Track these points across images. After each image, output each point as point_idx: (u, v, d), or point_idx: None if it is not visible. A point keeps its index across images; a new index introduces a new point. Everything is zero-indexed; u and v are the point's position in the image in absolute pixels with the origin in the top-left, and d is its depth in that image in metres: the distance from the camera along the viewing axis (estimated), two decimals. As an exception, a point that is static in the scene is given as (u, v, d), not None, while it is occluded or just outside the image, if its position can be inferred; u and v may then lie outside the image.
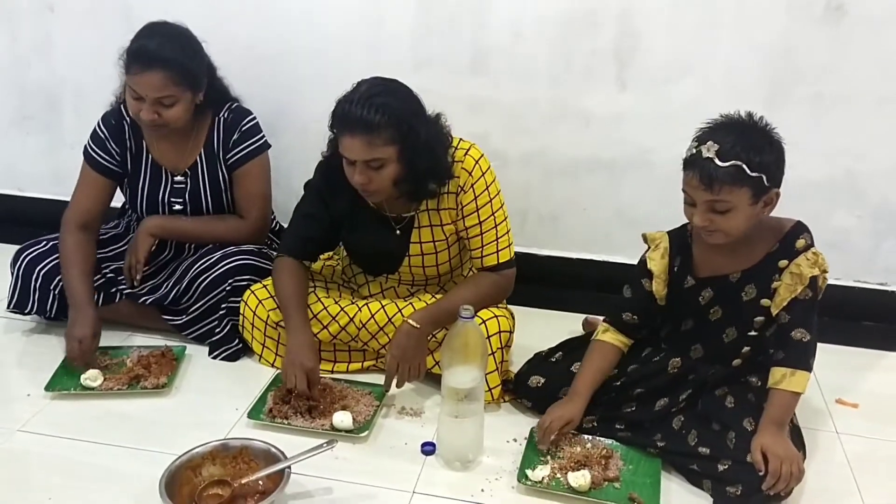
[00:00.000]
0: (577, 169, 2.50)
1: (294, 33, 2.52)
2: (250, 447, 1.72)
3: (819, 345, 2.29)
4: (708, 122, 1.72)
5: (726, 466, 1.70)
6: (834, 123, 2.30)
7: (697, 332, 1.88)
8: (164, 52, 2.05)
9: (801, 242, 1.76)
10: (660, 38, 2.31)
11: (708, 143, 1.65)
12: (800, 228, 1.78)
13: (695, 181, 1.67)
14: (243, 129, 2.25)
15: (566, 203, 2.56)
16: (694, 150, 1.68)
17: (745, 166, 1.62)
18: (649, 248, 1.91)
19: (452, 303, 1.89)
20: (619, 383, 1.91)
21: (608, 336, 1.92)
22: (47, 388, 2.01)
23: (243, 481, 1.64)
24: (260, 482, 1.66)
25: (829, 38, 2.22)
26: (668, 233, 1.90)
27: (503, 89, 2.45)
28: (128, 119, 2.23)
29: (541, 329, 2.26)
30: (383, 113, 1.80)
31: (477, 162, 1.98)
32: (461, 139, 2.01)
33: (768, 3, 2.22)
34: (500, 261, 2.03)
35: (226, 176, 2.28)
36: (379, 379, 2.02)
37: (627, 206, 2.50)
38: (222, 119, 2.25)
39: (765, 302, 1.78)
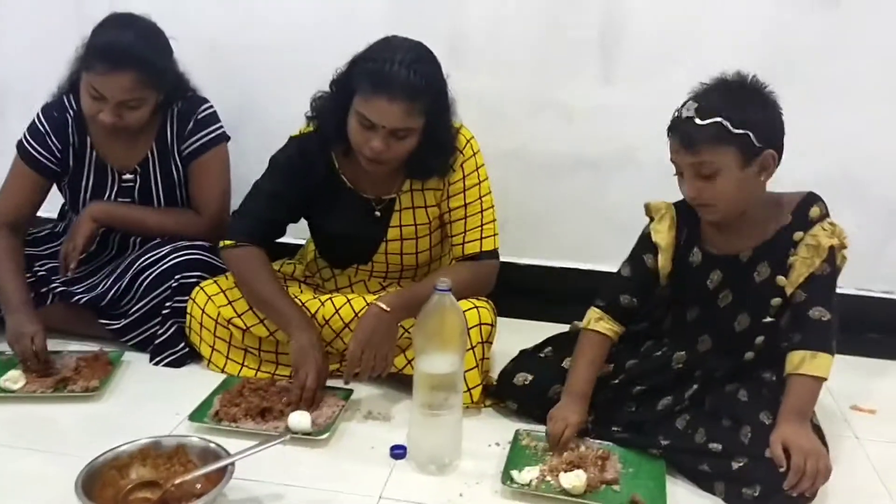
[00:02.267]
0: (558, 169, 2.34)
1: (258, 27, 2.36)
2: (187, 445, 1.47)
3: (827, 353, 2.11)
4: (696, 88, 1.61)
5: (742, 464, 1.48)
6: (830, 115, 2.16)
7: (705, 321, 1.69)
8: (136, 52, 1.85)
9: (815, 211, 1.60)
10: (646, 27, 2.18)
11: (688, 102, 1.55)
12: (813, 197, 1.62)
13: (676, 144, 1.55)
14: (199, 117, 2.06)
15: (548, 207, 2.38)
16: (676, 113, 1.57)
17: (726, 123, 1.49)
18: (652, 219, 1.73)
19: (428, 288, 1.67)
20: (616, 381, 1.70)
21: (601, 325, 1.69)
22: (-40, 391, 1.75)
23: (177, 481, 1.38)
24: (198, 484, 1.40)
25: (824, 25, 2.11)
26: (674, 203, 1.71)
27: (482, 83, 2.28)
28: (71, 112, 2.02)
29: (523, 340, 2.01)
30: (427, 81, 1.66)
31: (469, 141, 1.84)
32: None
33: (758, -11, 2.12)
34: (483, 249, 1.84)
35: (180, 170, 2.07)
36: (343, 386, 1.78)
37: (613, 208, 2.32)
38: (176, 109, 2.05)
39: (780, 280, 1.59)
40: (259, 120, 2.42)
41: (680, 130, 1.54)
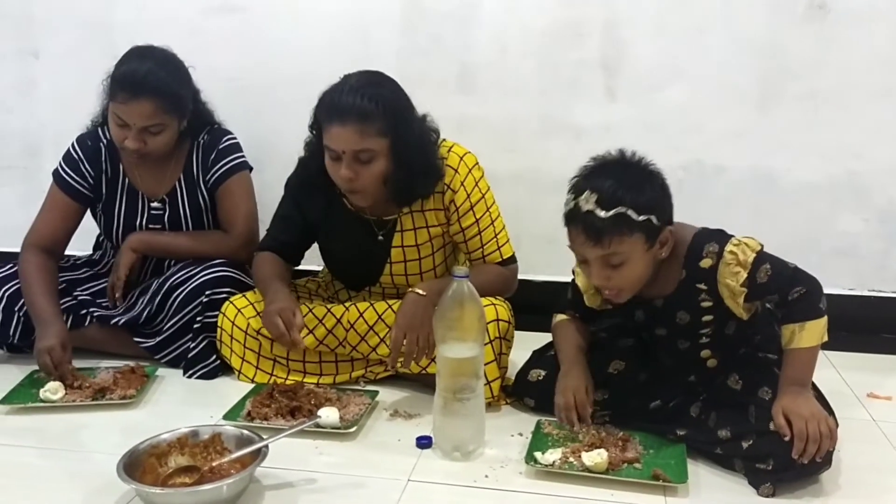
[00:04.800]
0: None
1: (278, 61, 2.50)
2: (223, 433, 1.54)
3: (839, 352, 2.14)
4: (580, 170, 1.58)
5: (751, 442, 1.51)
6: (829, 121, 2.26)
7: (655, 344, 1.73)
8: (154, 80, 1.98)
9: (706, 262, 1.56)
10: (646, 44, 2.30)
11: (585, 193, 1.50)
12: (697, 245, 1.57)
13: (581, 238, 1.52)
14: (221, 147, 2.18)
15: (559, 223, 2.45)
16: (572, 204, 1.53)
17: (629, 211, 1.47)
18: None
19: None
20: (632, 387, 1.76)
21: (562, 316, 1.85)
22: (3, 402, 1.83)
23: (214, 464, 1.45)
24: (232, 470, 1.46)
25: (815, 36, 2.22)
26: None
27: (491, 106, 2.41)
28: (105, 141, 2.16)
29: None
30: (377, 102, 1.74)
31: (462, 158, 1.90)
32: (444, 138, 1.94)
33: (750, 4, 2.23)
34: (504, 257, 1.95)
35: (206, 199, 2.19)
36: (369, 388, 1.86)
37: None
38: (201, 142, 2.19)
39: (707, 318, 1.62)
40: (281, 152, 2.49)
41: (583, 223, 1.50)
